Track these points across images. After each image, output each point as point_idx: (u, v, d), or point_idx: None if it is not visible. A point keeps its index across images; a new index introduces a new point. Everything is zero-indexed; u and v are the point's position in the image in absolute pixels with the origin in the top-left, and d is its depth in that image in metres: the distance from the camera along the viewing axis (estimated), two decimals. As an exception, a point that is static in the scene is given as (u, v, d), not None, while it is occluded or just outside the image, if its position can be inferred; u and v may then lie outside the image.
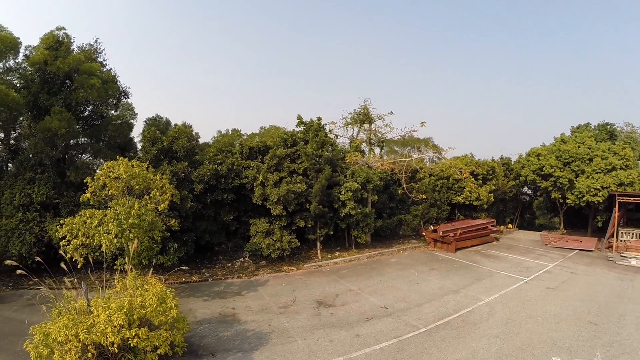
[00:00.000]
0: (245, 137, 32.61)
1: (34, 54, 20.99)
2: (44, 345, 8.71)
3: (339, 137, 29.23)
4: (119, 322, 8.80)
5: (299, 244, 21.90)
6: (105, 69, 22.56)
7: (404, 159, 29.12)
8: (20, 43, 21.50)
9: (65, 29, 21.83)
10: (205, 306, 15.54)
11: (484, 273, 20.26)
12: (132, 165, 15.81)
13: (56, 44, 21.22)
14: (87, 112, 21.34)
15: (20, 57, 21.68)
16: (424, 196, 29.55)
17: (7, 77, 21.45)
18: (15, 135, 21.73)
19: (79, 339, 8.55)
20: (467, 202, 30.63)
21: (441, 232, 26.40)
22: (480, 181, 31.60)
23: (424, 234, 28.65)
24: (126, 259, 13.42)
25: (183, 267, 16.75)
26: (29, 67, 21.01)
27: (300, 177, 21.70)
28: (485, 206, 31.29)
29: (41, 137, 18.70)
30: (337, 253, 24.70)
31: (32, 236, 18.21)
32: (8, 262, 11.20)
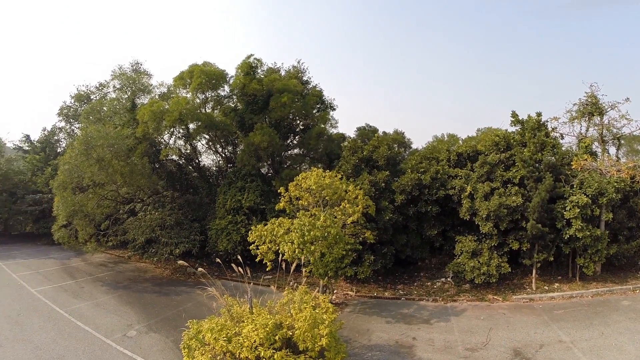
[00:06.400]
0: (461, 141, 30.28)
1: (234, 81, 24.65)
2: (195, 340, 9.24)
3: (563, 135, 23.42)
4: (258, 340, 8.69)
5: (509, 269, 18.44)
6: (310, 86, 24.78)
7: (646, 161, 21.46)
8: (227, 74, 25.51)
9: (253, 55, 25.20)
10: (384, 329, 14.62)
11: None
12: (324, 176, 15.73)
13: (250, 69, 24.32)
14: (300, 126, 23.67)
15: (227, 87, 25.71)
16: (673, 214, 21.17)
17: (225, 103, 25.57)
18: (230, 149, 25.87)
19: (220, 345, 8.77)
20: None
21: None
22: None
23: (670, 267, 20.64)
24: (306, 268, 14.02)
25: (379, 280, 15.88)
26: (234, 93, 24.70)
27: (516, 187, 18.22)
28: None
29: (246, 151, 21.47)
30: (556, 285, 19.87)
31: (239, 236, 20.75)
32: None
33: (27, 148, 36.54)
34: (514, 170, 18.82)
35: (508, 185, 18.52)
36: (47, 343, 12.91)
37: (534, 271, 19.39)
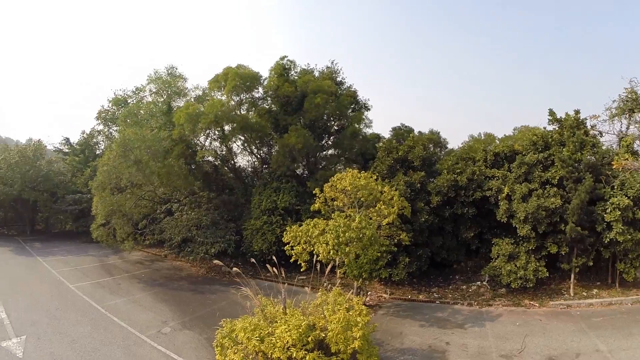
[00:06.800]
0: (498, 140, 29.78)
1: (268, 83, 24.80)
2: (228, 338, 9.33)
3: (603, 134, 22.59)
4: (291, 341, 8.71)
5: (547, 274, 17.88)
6: (344, 86, 24.78)
7: (688, 161, 20.31)
8: (261, 76, 25.58)
9: (287, 57, 25.33)
10: (417, 333, 14.41)
11: None
12: (359, 177, 15.66)
13: (284, 71, 24.52)
14: (334, 127, 23.94)
15: (261, 88, 25.76)
16: None
17: (259, 104, 25.71)
18: (265, 150, 26.16)
19: (253, 344, 8.84)
20: None
21: None
22: None
23: None
24: (341, 269, 13.88)
25: (413, 282, 15.72)
26: (268, 95, 24.85)
27: (555, 189, 17.64)
28: None
29: (281, 152, 21.67)
30: (595, 291, 19.11)
31: (274, 236, 20.90)
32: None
33: (67, 150, 38.24)
34: (553, 171, 18.22)
35: (546, 186, 17.92)
36: (83, 337, 13.22)
37: (572, 276, 18.63)
